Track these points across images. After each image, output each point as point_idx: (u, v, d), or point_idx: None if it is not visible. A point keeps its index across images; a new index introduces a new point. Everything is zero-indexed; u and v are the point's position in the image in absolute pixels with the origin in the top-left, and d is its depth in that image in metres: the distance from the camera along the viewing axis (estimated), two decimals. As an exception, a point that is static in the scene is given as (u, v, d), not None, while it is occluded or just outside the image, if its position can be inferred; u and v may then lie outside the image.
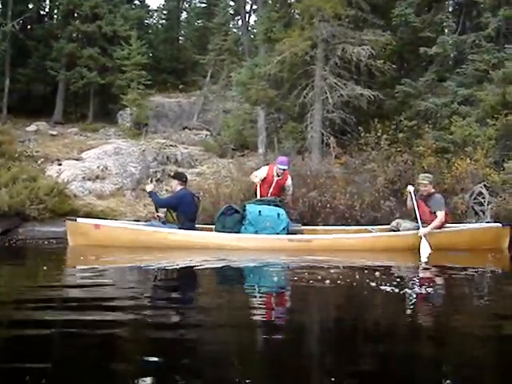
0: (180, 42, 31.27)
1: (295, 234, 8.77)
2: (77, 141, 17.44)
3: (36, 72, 22.86)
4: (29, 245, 9.30)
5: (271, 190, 9.40)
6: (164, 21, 31.94)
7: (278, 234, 8.55)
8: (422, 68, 14.11)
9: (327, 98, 12.48)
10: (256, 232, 8.53)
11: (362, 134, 11.54)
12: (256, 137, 15.24)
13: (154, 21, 32.40)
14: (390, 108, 13.68)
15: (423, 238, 8.09)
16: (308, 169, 11.37)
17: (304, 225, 9.81)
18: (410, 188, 8.72)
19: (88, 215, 11.09)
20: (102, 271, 6.57)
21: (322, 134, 12.58)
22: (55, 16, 25.72)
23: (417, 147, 10.99)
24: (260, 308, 4.77)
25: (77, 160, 14.46)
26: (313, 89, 12.72)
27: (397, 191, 10.51)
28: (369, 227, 9.25)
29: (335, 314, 4.72)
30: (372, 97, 12.29)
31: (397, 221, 9.00)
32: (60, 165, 13.75)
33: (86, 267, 6.89)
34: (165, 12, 32.20)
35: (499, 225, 8.68)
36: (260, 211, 8.61)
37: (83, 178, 13.22)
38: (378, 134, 11.24)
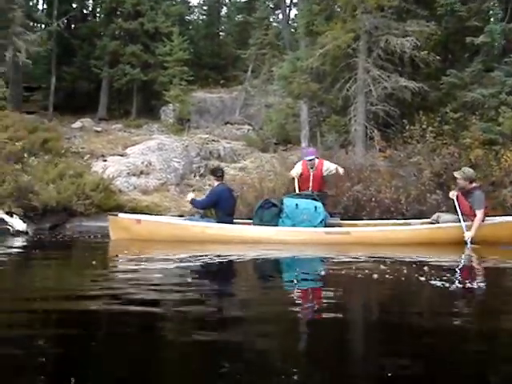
0: (220, 37, 31.37)
1: (333, 227, 8.68)
2: (121, 137, 17.69)
3: (81, 70, 23.29)
4: (76, 239, 9.48)
5: (311, 183, 9.29)
6: (204, 16, 32.10)
7: (315, 226, 8.48)
8: (467, 58, 13.82)
9: (371, 90, 12.33)
10: (293, 225, 8.50)
11: (407, 127, 11.36)
12: (299, 131, 15.17)
13: (195, 17, 32.62)
14: (434, 100, 13.43)
15: (468, 240, 7.92)
16: (352, 162, 11.27)
17: (349, 219, 9.75)
18: (452, 194, 8.43)
19: (133, 210, 11.25)
20: (145, 265, 6.62)
21: (366, 127, 12.44)
22: (98, 14, 26.07)
23: (463, 139, 10.76)
24: (299, 303, 4.71)
25: (121, 156, 14.66)
26: (356, 81, 12.57)
27: (443, 184, 10.32)
28: (408, 221, 9.13)
29: (380, 310, 4.60)
30: (416, 89, 12.08)
31: (437, 214, 8.86)
32: (105, 161, 13.97)
33: (129, 261, 6.94)
34: (205, 8, 32.36)
35: None
36: (297, 204, 8.57)
37: (128, 173, 13.40)
38: (423, 127, 11.06)
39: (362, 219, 9.72)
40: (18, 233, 9.99)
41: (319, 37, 12.43)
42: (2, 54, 17.08)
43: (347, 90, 12.73)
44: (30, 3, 23.18)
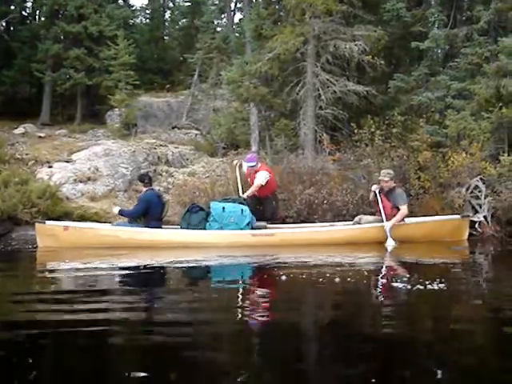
0: (165, 41, 31.03)
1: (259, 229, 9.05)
2: (66, 142, 17.20)
3: (21, 74, 22.53)
4: (21, 250, 9.18)
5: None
6: (148, 20, 31.67)
7: (241, 229, 8.82)
8: (412, 63, 14.13)
9: (319, 94, 12.44)
10: (221, 228, 8.82)
11: (356, 131, 11.52)
12: (247, 135, 15.15)
13: (138, 20, 32.14)
14: (381, 103, 13.68)
15: (387, 232, 8.39)
16: (302, 166, 11.33)
17: (301, 222, 9.86)
18: (374, 187, 9.00)
19: (82, 218, 11.01)
20: (71, 274, 6.68)
21: (315, 131, 12.54)
22: (39, 17, 25.35)
23: (412, 142, 10.97)
24: (221, 305, 4.93)
25: (67, 162, 14.25)
26: (304, 85, 12.67)
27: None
28: (332, 223, 9.54)
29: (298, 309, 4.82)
30: (364, 92, 12.26)
31: (359, 216, 9.32)
32: (50, 167, 13.55)
33: (54, 269, 7.13)
34: (148, 11, 31.94)
35: (458, 216, 9.10)
36: (224, 208, 8.90)
37: (74, 180, 13.02)
38: (372, 130, 11.23)
39: (314, 222, 9.84)
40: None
41: (269, 41, 12.42)
42: None
43: (296, 94, 12.82)
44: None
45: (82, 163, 14.19)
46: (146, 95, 21.47)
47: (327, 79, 12.31)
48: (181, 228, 9.01)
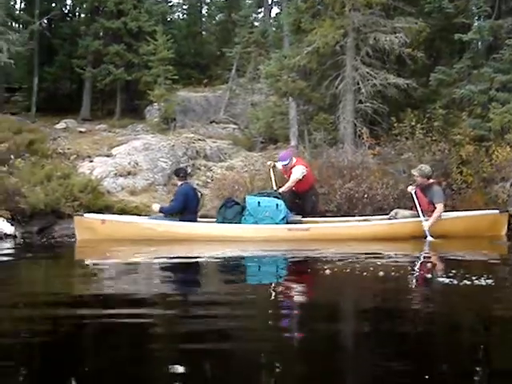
0: (202, 36, 31.16)
1: (294, 224, 9.00)
2: (106, 137, 17.46)
3: (62, 70, 22.99)
4: (64, 242, 9.37)
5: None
6: (185, 16, 31.85)
7: (277, 223, 8.79)
8: (453, 55, 13.88)
9: (359, 88, 12.33)
10: (256, 222, 8.81)
11: (396, 124, 11.38)
12: (286, 129, 15.10)
13: (176, 16, 32.36)
14: (421, 97, 13.47)
15: (426, 232, 8.28)
16: (342, 160, 11.25)
17: (341, 216, 9.80)
18: (410, 188, 8.93)
19: (122, 211, 11.15)
20: (107, 267, 6.77)
21: (355, 125, 12.43)
22: (79, 13, 25.73)
23: (454, 136, 10.78)
24: (256, 300, 4.88)
25: (107, 156, 14.46)
26: (344, 79, 12.57)
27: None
28: (367, 217, 9.43)
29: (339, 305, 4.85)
30: (405, 85, 12.09)
31: (395, 210, 9.20)
32: (91, 161, 13.77)
33: (94, 263, 7.26)
34: (185, 7, 32.12)
35: (496, 211, 8.87)
36: (259, 202, 8.88)
37: (115, 174, 13.20)
38: (412, 124, 11.09)
39: (354, 216, 9.76)
40: (6, 236, 9.80)
41: (309, 34, 12.34)
42: (-17, 55, 16.81)
43: (335, 88, 12.72)
44: (11, 2, 22.67)
45: (122, 157, 14.38)
46: (184, 90, 21.60)
47: (367, 72, 12.17)
48: (216, 222, 9.05)
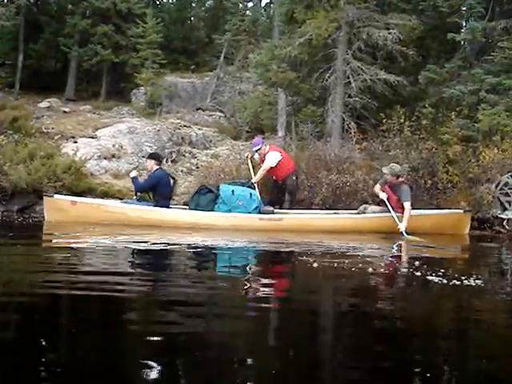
0: (191, 21, 30.85)
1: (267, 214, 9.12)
2: (90, 118, 17.22)
3: (47, 48, 22.55)
4: (39, 223, 9.22)
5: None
6: (175, 0, 31.49)
7: (249, 213, 8.90)
8: (443, 55, 13.87)
9: (349, 82, 12.29)
10: (229, 211, 8.90)
11: (384, 120, 11.37)
12: (273, 119, 15.03)
13: (165, 0, 31.98)
14: (410, 94, 13.48)
15: (403, 232, 8.46)
16: (328, 153, 11.21)
17: (326, 209, 9.79)
18: (382, 195, 9.03)
19: (105, 194, 11.06)
20: (77, 250, 6.66)
21: (343, 119, 12.40)
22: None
23: (442, 135, 10.80)
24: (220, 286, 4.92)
25: (92, 138, 14.27)
26: (334, 72, 12.51)
27: (420, 178, 10.39)
28: (337, 211, 9.60)
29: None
30: (396, 82, 12.09)
31: (364, 205, 9.45)
32: (75, 142, 13.56)
33: (62, 245, 7.09)
34: (175, -10, 31.78)
35: (461, 211, 9.21)
36: (233, 191, 9.00)
37: (99, 156, 13.03)
38: (401, 121, 11.09)
39: (338, 209, 9.75)
40: (-15, 214, 9.66)
41: (303, 25, 12.24)
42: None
43: (326, 80, 12.66)
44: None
45: (107, 140, 14.20)
46: (171, 75, 21.40)
47: (358, 67, 12.14)
48: (189, 209, 9.09)
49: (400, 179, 9.05)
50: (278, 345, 3.37)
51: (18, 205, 10.28)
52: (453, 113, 10.98)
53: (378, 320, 3.92)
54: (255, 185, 9.35)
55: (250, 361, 3.03)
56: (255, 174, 9.72)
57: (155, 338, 3.27)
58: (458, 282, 4.86)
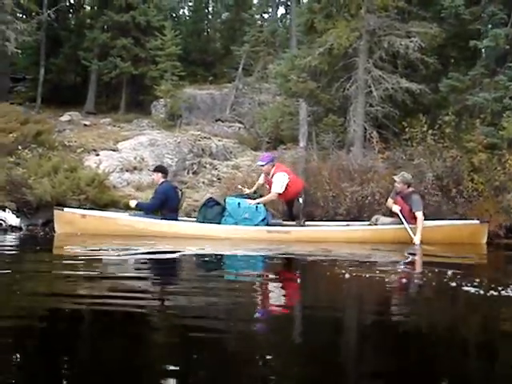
0: (208, 33, 31.05)
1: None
2: (111, 131, 17.33)
3: (67, 62, 22.85)
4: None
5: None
6: (191, 12, 31.73)
7: (256, 225, 8.84)
8: (465, 62, 13.77)
9: (371, 91, 12.23)
10: (236, 223, 8.86)
11: (407, 129, 11.29)
12: (294, 130, 14.97)
13: (181, 13, 32.22)
14: (431, 102, 13.39)
15: (418, 244, 8.36)
16: (351, 163, 11.15)
17: (351, 220, 9.70)
18: (395, 208, 8.87)
19: (128, 207, 11.04)
20: (88, 261, 6.64)
21: (365, 129, 12.34)
22: (88, 6, 25.58)
23: (466, 142, 10.70)
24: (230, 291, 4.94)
25: (113, 151, 14.35)
26: (355, 82, 12.47)
27: (445, 187, 10.30)
28: (348, 222, 9.51)
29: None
30: (418, 90, 12.01)
31: (376, 216, 9.28)
32: (97, 155, 13.65)
33: (72, 257, 7.03)
34: (191, 3, 31.98)
35: (477, 221, 9.04)
36: (239, 203, 8.93)
37: (121, 169, 13.10)
38: (424, 129, 11.00)
39: (364, 220, 9.65)
40: (12, 228, 9.72)
41: (324, 35, 12.24)
42: (-10, 43, 16.68)
43: (346, 90, 12.62)
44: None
45: (128, 152, 14.28)
46: (190, 87, 21.50)
47: (380, 76, 12.08)
48: (197, 221, 9.10)
49: (410, 188, 8.95)
50: (303, 352, 3.32)
51: (42, 218, 10.31)
52: (477, 120, 10.85)
53: (404, 329, 3.85)
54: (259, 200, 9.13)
55: (277, 369, 2.99)
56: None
57: (177, 349, 3.27)
58: (486, 292, 4.75)
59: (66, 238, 8.78)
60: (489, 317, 4.34)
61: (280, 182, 9.11)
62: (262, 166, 9.42)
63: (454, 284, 5.07)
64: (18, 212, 10.10)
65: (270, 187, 9.28)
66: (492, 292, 4.70)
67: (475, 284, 5.03)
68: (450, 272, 5.58)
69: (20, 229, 9.74)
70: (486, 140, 10.59)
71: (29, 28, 17.85)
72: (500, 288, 4.78)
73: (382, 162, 11.49)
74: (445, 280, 5.28)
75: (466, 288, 4.90)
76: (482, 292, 4.74)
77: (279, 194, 9.20)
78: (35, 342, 3.39)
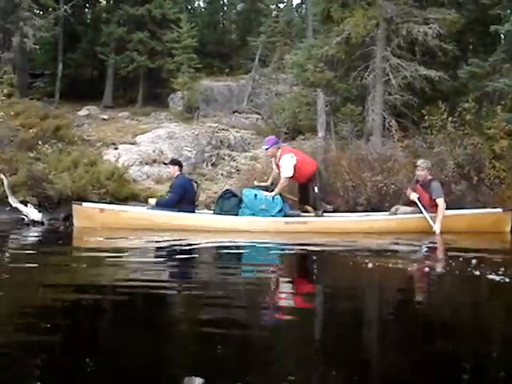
0: (224, 25, 30.98)
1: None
2: (129, 125, 17.42)
3: (85, 56, 22.99)
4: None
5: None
6: (207, 4, 31.66)
7: (273, 216, 8.77)
8: (484, 48, 13.57)
9: (389, 79, 12.12)
10: (253, 215, 8.82)
11: (426, 117, 11.18)
12: (312, 120, 14.90)
13: (196, 5, 32.18)
14: (450, 89, 13.23)
15: (438, 233, 8.24)
16: (370, 152, 11.07)
17: (372, 210, 9.64)
18: (413, 196, 8.74)
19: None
20: (109, 253, 6.72)
21: (384, 117, 12.23)
22: (104, 0, 25.61)
23: (487, 129, 10.56)
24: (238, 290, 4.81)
25: (132, 144, 14.42)
26: (373, 70, 12.35)
27: (466, 175, 10.20)
28: (368, 213, 9.43)
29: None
30: (437, 78, 11.87)
31: (396, 206, 9.12)
32: (116, 149, 13.74)
33: (94, 249, 7.28)
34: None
35: (500, 210, 8.87)
36: (256, 195, 8.88)
37: (140, 162, 13.17)
38: (444, 117, 10.88)
39: (385, 211, 9.57)
40: (34, 223, 9.83)
41: (341, 24, 12.13)
42: (8, 40, 16.79)
43: (364, 79, 12.51)
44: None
45: (147, 146, 14.34)
46: (207, 79, 21.48)
47: (398, 64, 11.96)
48: (214, 213, 9.12)
49: (429, 176, 8.81)
50: (325, 344, 3.31)
51: (63, 212, 10.40)
52: (498, 107, 10.69)
53: (428, 320, 3.83)
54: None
55: (295, 360, 2.98)
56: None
57: (197, 343, 3.28)
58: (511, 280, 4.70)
59: (85, 231, 8.84)
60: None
61: (287, 164, 8.89)
62: (267, 149, 9.27)
63: (477, 272, 5.03)
64: (39, 207, 10.20)
65: (279, 169, 9.17)
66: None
67: (499, 272, 4.97)
68: (473, 261, 5.51)
69: (42, 223, 9.82)
70: (507, 126, 10.43)
71: (46, 24, 17.98)
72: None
73: (402, 151, 11.39)
74: (468, 269, 5.22)
75: (489, 276, 4.86)
76: (506, 280, 4.69)
77: (291, 177, 9.04)
78: (57, 334, 3.41)
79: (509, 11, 12.11)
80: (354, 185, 10.25)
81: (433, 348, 3.20)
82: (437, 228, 8.30)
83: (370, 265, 5.39)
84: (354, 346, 3.28)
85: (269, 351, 3.13)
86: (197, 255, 6.92)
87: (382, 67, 12.15)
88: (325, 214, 9.19)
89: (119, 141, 14.58)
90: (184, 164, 13.49)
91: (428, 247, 7.79)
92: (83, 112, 19.05)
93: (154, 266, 6.03)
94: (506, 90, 10.91)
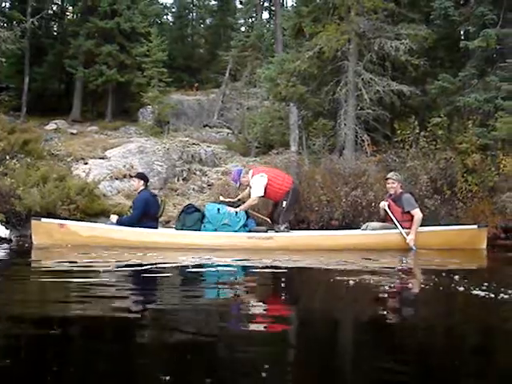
0: (193, 39, 30.96)
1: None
2: (98, 139, 17.15)
3: (52, 70, 22.63)
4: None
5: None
6: (175, 19, 31.63)
7: (236, 231, 8.51)
8: (453, 63, 13.75)
9: (361, 94, 12.17)
10: (215, 230, 8.55)
11: (399, 132, 11.24)
12: (284, 134, 14.90)
13: (165, 18, 32.11)
14: (420, 104, 13.37)
15: (411, 245, 8.04)
16: (343, 168, 11.05)
17: (346, 224, 9.59)
18: (382, 204, 8.51)
19: (120, 215, 10.85)
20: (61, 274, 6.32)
21: (356, 132, 12.27)
22: (72, 13, 25.36)
23: (459, 144, 10.65)
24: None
25: (102, 159, 14.17)
26: (345, 85, 12.39)
27: (439, 189, 10.24)
28: (341, 231, 9.16)
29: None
30: (409, 92, 11.98)
31: (367, 223, 8.81)
32: (86, 164, 13.47)
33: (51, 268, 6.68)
34: (174, 10, 31.89)
35: (475, 226, 8.63)
36: (219, 209, 8.65)
37: (110, 177, 12.91)
38: (416, 131, 10.95)
39: (359, 228, 9.45)
40: (1, 240, 9.49)
41: (309, 38, 12.17)
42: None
43: (335, 94, 12.55)
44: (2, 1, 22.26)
45: (117, 160, 14.11)
46: (177, 93, 21.38)
47: (371, 78, 12.02)
48: (176, 229, 8.82)
49: (400, 190, 8.53)
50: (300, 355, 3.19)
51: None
52: (469, 121, 10.80)
53: (402, 334, 3.74)
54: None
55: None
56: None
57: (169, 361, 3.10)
58: (487, 294, 4.65)
59: (43, 249, 8.34)
60: (488, 320, 4.24)
61: (257, 184, 8.64)
62: (239, 184, 9.04)
63: (452, 288, 4.95)
64: (7, 223, 9.88)
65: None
66: (491, 295, 4.61)
67: (475, 287, 4.92)
68: (448, 276, 5.47)
69: (10, 240, 9.49)
70: (478, 141, 10.53)
71: (12, 36, 17.60)
72: (500, 291, 4.69)
73: (375, 165, 11.42)
74: (443, 284, 5.16)
75: (464, 292, 4.79)
76: (481, 295, 4.64)
77: (263, 196, 8.78)
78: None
79: (477, 27, 12.31)
80: (329, 199, 10.19)
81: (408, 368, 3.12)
82: (410, 240, 8.04)
83: (343, 283, 5.27)
84: (328, 361, 3.16)
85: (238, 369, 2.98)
86: (156, 274, 6.56)
87: (354, 82, 12.20)
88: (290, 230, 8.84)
89: (88, 155, 14.30)
90: (155, 179, 13.47)
91: (402, 263, 7.37)
92: (51, 126, 18.72)
93: (112, 287, 5.64)
94: (477, 105, 11.03)
